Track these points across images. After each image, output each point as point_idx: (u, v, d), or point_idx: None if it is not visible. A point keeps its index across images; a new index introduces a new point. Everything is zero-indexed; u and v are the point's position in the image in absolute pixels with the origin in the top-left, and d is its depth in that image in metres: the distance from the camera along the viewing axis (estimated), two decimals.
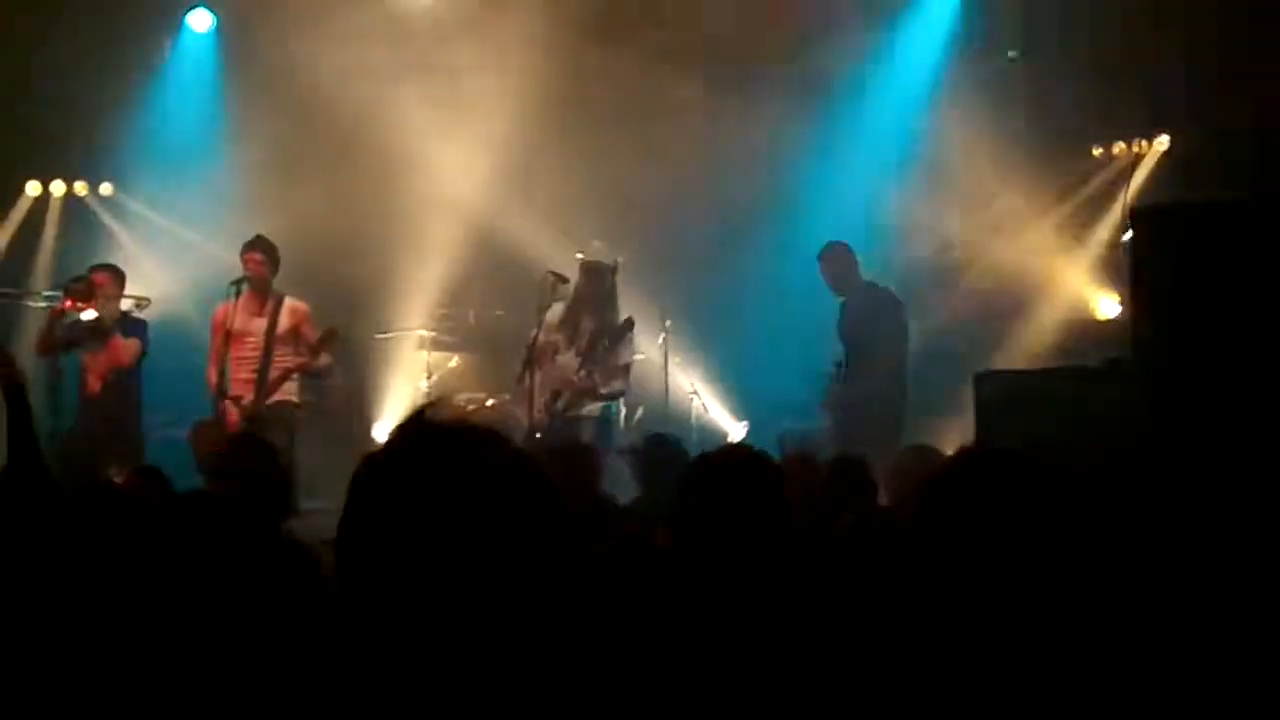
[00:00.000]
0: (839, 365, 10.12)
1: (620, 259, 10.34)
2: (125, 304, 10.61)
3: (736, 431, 12.37)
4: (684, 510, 3.79)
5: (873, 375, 10.01)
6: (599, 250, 10.30)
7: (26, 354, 10.04)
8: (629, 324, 10.16)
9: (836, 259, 10.45)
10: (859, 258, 10.52)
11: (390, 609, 1.78)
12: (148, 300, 10.90)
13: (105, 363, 10.36)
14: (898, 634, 3.22)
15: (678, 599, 2.95)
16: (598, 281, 10.15)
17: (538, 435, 9.76)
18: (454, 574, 1.77)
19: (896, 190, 12.35)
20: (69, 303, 10.19)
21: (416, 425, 1.90)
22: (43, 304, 10.95)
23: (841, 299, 10.45)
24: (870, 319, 10.25)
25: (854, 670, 3.08)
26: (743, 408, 12.60)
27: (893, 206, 12.29)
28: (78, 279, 10.44)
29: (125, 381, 10.44)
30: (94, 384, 10.38)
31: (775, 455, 5.86)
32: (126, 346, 10.38)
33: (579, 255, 10.35)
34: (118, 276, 10.65)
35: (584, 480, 6.46)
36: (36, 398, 11.25)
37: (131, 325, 10.52)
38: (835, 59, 12.35)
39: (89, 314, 10.21)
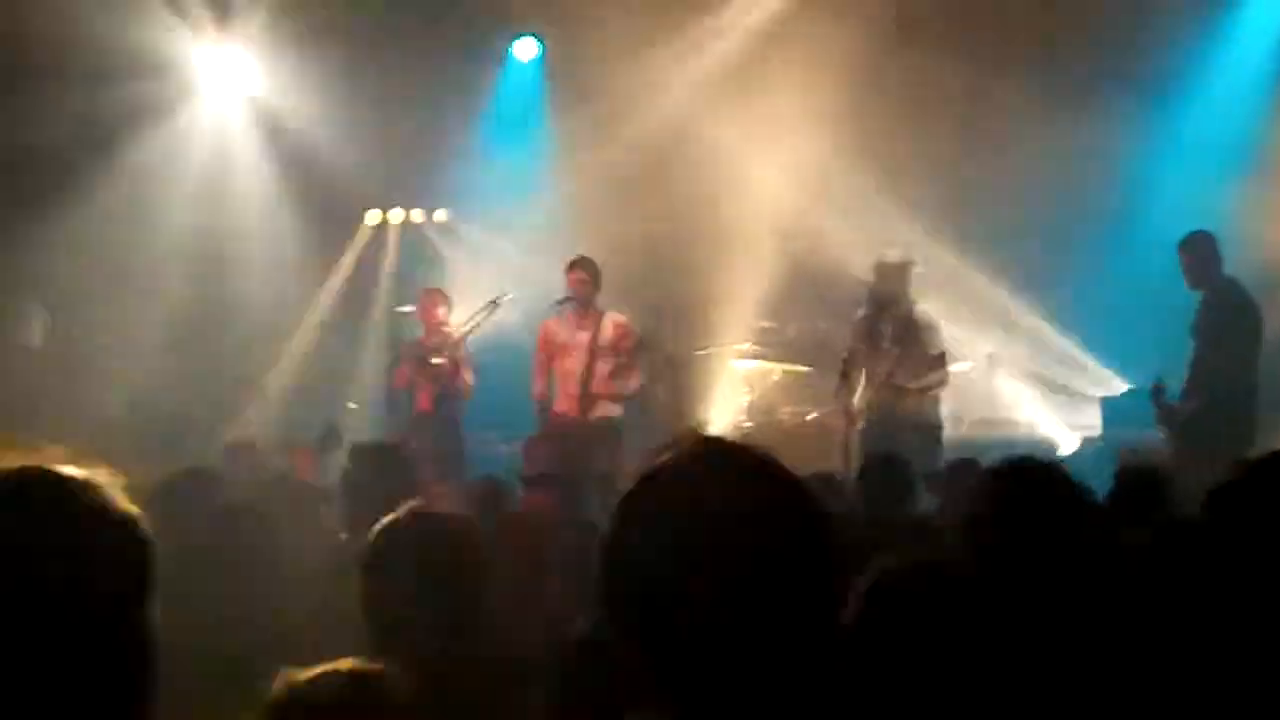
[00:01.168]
0: (1158, 386, 9.52)
1: (909, 256, 10.17)
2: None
3: (1069, 443, 11.99)
4: (971, 523, 3.69)
5: (1217, 385, 9.38)
6: (889, 253, 10.17)
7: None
8: (927, 326, 9.96)
9: (1200, 246, 9.66)
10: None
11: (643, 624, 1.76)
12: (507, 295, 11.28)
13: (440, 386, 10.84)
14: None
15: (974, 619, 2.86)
16: (891, 280, 10.01)
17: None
18: (703, 599, 1.74)
19: (1234, 193, 11.77)
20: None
21: (691, 446, 1.86)
22: None
23: (1200, 293, 9.68)
24: (1228, 317, 9.54)
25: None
26: (1080, 418, 12.21)
27: (1229, 210, 11.70)
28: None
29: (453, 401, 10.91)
30: (425, 402, 10.84)
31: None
32: (466, 378, 10.94)
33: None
34: (447, 301, 11.18)
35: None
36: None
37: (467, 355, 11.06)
38: (1164, 56, 11.93)
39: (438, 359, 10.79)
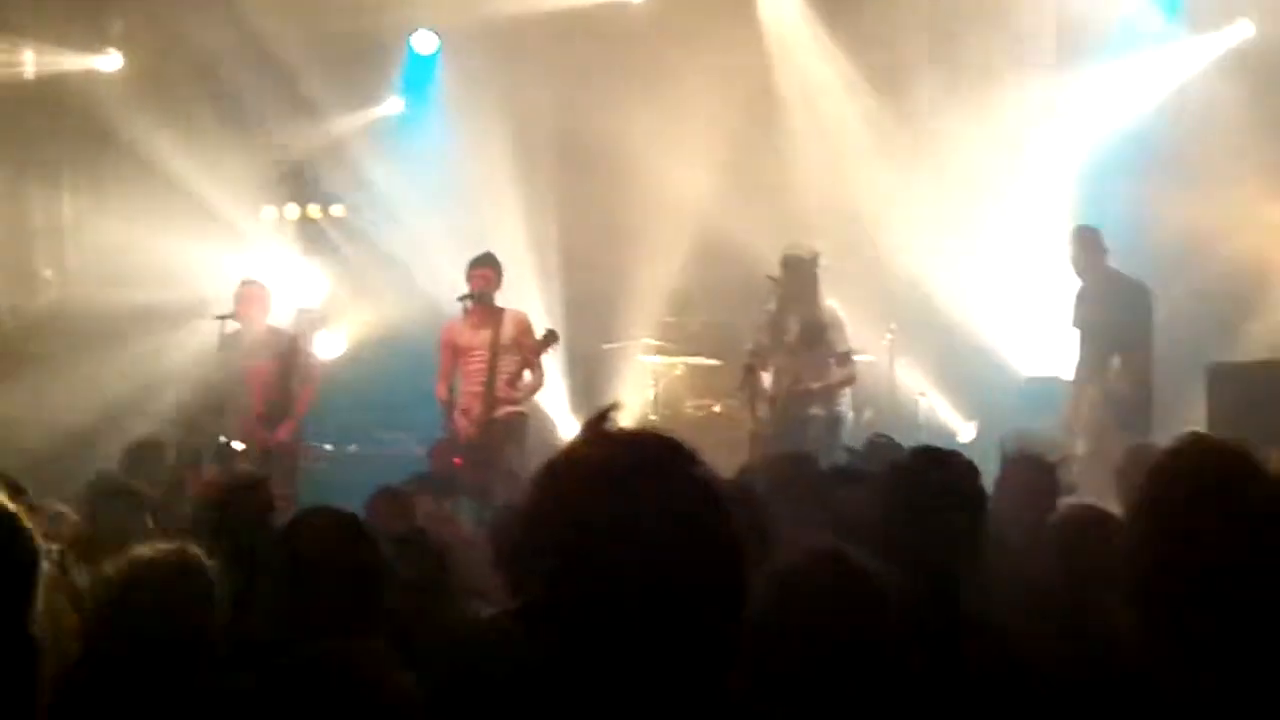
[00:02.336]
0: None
1: (816, 249, 10.22)
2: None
3: (966, 432, 12.14)
4: (882, 520, 3.75)
5: (1123, 376, 9.76)
6: (796, 245, 10.21)
7: None
8: (833, 323, 10.04)
9: (1083, 240, 10.19)
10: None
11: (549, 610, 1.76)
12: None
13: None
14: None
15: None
16: (797, 275, 10.04)
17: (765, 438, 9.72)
18: (611, 582, 1.73)
19: (1127, 177, 11.98)
20: None
21: (595, 432, 1.85)
22: None
23: (1082, 282, 10.21)
24: (1117, 306, 9.93)
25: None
26: (975, 409, 12.36)
27: (1124, 194, 11.88)
28: None
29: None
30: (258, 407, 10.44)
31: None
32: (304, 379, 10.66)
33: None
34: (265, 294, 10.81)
35: None
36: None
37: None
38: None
39: None
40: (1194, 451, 2.67)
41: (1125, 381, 9.74)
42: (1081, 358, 10.26)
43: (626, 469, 1.78)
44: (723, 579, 1.77)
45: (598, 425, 1.86)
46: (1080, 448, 9.50)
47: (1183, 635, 2.48)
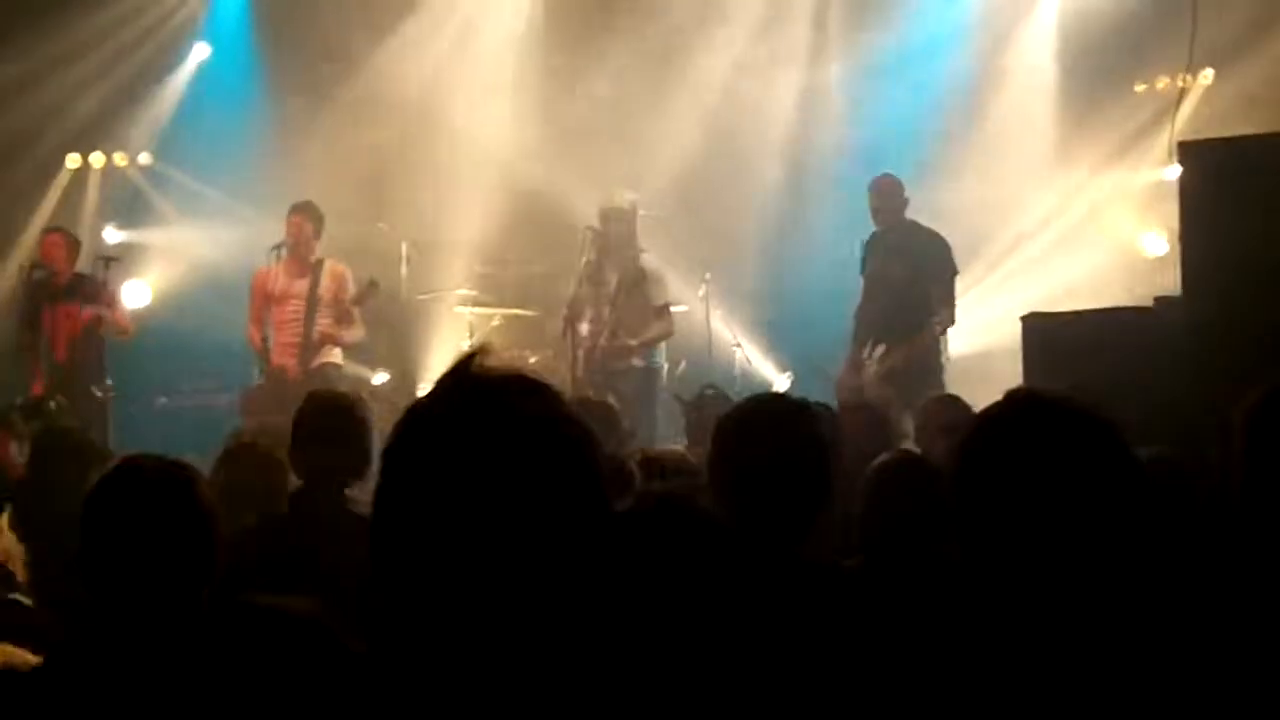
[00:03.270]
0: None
1: (634, 199, 10.24)
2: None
3: (781, 383, 12.30)
4: (717, 461, 3.73)
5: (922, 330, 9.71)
6: (615, 196, 10.22)
7: None
8: (651, 275, 10.05)
9: (886, 188, 10.07)
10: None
11: (427, 564, 1.71)
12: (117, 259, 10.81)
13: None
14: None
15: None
16: (616, 226, 10.05)
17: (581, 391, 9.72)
18: (494, 528, 1.69)
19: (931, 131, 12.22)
20: None
21: (462, 374, 1.80)
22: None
23: (879, 231, 10.08)
24: (920, 257, 9.83)
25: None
26: (789, 360, 12.52)
27: (928, 147, 12.10)
28: None
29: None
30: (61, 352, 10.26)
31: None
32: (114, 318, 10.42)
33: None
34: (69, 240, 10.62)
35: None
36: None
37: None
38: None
39: None
40: (1029, 407, 2.69)
41: (918, 335, 9.70)
42: (871, 308, 10.09)
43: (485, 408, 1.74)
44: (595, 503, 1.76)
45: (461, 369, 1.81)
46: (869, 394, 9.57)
47: (1007, 575, 2.51)
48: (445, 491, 1.71)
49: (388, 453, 1.78)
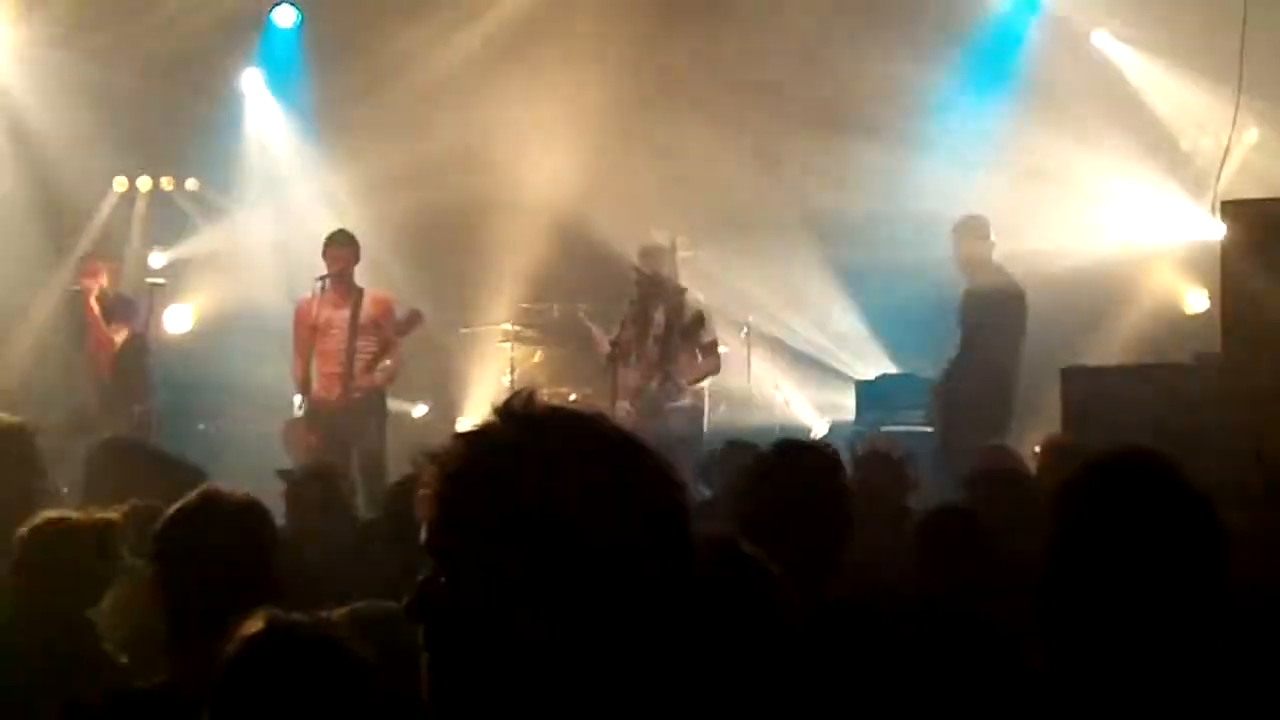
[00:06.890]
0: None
1: (676, 237, 10.31)
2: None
3: (819, 427, 12.29)
4: (750, 508, 3.78)
5: (986, 370, 9.52)
6: (654, 234, 10.27)
7: None
8: (699, 316, 10.09)
9: (972, 233, 9.79)
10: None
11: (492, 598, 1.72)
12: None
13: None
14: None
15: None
16: (656, 263, 10.11)
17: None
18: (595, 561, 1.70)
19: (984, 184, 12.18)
20: None
21: (510, 412, 1.78)
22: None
23: (968, 282, 9.81)
24: (993, 306, 9.60)
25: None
26: (829, 404, 12.52)
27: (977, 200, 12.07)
28: None
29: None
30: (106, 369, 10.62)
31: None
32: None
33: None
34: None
35: None
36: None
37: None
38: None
39: None
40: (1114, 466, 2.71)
41: (975, 381, 9.54)
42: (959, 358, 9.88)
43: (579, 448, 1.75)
44: (674, 539, 1.76)
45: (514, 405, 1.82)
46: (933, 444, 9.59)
47: (1085, 639, 2.53)
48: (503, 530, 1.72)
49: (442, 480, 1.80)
